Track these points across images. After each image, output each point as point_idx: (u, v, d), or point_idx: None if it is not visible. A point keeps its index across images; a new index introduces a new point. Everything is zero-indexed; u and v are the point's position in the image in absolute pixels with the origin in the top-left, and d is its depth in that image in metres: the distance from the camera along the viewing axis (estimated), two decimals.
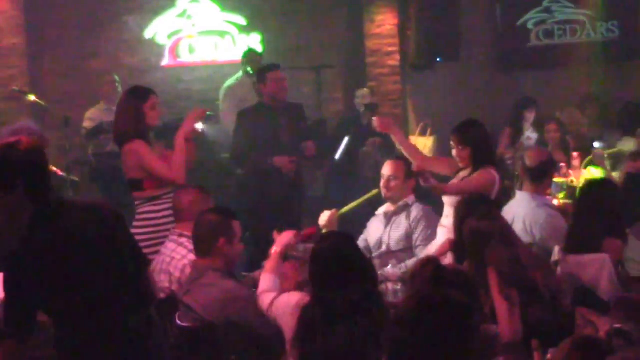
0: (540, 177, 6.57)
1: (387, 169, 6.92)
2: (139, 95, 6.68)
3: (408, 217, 6.85)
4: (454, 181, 6.44)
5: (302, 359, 4.39)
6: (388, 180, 6.88)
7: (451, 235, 5.83)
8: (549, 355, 3.93)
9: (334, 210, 6.80)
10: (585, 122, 10.33)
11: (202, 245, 5.29)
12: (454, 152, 6.45)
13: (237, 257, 5.38)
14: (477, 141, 6.38)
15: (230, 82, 9.81)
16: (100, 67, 10.50)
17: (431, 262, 4.46)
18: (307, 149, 8.02)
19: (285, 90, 8.14)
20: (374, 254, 6.81)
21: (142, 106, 6.59)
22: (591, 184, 6.48)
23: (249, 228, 7.29)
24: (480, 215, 5.22)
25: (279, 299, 4.79)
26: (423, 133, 10.27)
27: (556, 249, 6.11)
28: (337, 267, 4.47)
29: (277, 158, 7.88)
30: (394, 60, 10.97)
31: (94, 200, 4.17)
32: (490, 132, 10.18)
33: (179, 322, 5.14)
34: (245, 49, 10.32)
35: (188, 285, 5.28)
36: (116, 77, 9.74)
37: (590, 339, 3.39)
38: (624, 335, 4.47)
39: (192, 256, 5.55)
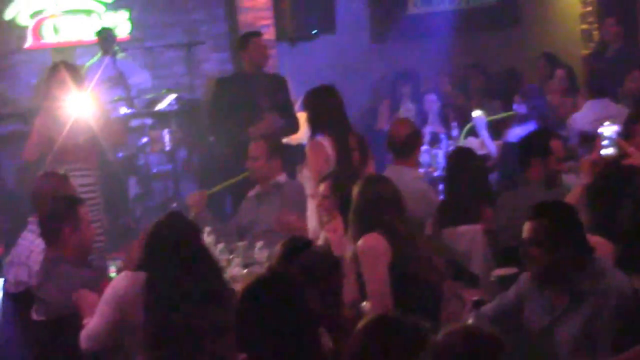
0: (408, 150, 6.45)
1: (250, 150, 6.68)
2: (49, 70, 7.11)
3: (280, 196, 6.68)
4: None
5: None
6: (251, 162, 6.70)
7: None
8: None
9: (202, 191, 6.85)
10: (459, 92, 10.25)
11: (49, 236, 5.18)
12: None
13: (88, 243, 5.26)
14: (311, 107, 6.46)
15: (89, 62, 9.50)
16: None
17: (290, 241, 4.35)
18: (264, 121, 7.66)
19: (266, 57, 8.03)
20: (247, 237, 6.55)
21: (48, 81, 7.00)
22: (455, 155, 6.46)
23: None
24: (372, 179, 5.15)
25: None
26: (301, 108, 10.04)
27: (428, 223, 6.01)
28: (174, 249, 4.37)
29: (251, 128, 7.56)
30: (269, 34, 10.62)
31: None
32: (370, 105, 10.27)
33: (34, 316, 5.02)
34: (99, 28, 9.97)
35: (41, 277, 5.16)
36: None
37: (382, 319, 3.17)
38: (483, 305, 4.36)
39: None
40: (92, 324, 4.51)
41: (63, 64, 7.09)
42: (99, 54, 9.49)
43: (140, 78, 9.95)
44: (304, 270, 3.97)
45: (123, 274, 4.64)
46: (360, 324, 3.10)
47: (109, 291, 4.51)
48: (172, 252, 4.36)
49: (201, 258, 4.42)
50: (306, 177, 6.31)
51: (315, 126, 6.31)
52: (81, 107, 6.93)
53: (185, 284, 4.28)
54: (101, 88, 8.53)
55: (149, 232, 4.49)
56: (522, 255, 4.03)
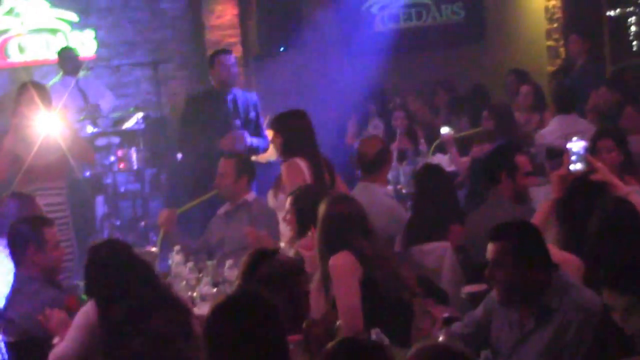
0: (377, 167, 6.46)
1: (218, 167, 6.68)
2: (17, 89, 7.00)
3: (249, 214, 6.63)
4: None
5: None
6: (218, 178, 6.66)
7: None
8: None
9: (173, 209, 6.74)
10: (426, 109, 10.29)
11: (16, 256, 5.20)
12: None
13: (55, 264, 5.26)
14: (284, 131, 6.36)
15: (51, 82, 9.42)
16: None
17: (256, 251, 4.36)
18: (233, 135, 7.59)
19: (234, 75, 7.94)
20: (216, 255, 6.52)
21: (17, 100, 6.87)
22: (424, 172, 6.46)
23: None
24: (337, 198, 5.10)
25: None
26: (270, 126, 10.04)
27: (398, 240, 6.01)
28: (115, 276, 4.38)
29: (221, 140, 7.52)
30: (237, 52, 10.64)
31: None
32: (337, 121, 10.26)
33: (2, 337, 4.96)
34: (60, 48, 9.96)
35: (9, 297, 5.14)
36: None
37: (349, 341, 3.12)
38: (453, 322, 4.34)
39: None
40: (62, 348, 4.46)
41: (31, 83, 7.06)
42: (61, 74, 9.47)
43: (107, 97, 9.91)
44: (268, 277, 3.99)
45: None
46: (328, 346, 3.06)
47: (80, 316, 4.48)
48: (107, 276, 4.40)
49: (138, 272, 4.44)
50: (282, 201, 6.27)
51: (290, 150, 6.32)
52: (50, 125, 6.88)
53: (126, 302, 4.30)
54: (66, 107, 8.48)
55: (84, 264, 4.54)
56: (487, 276, 4.02)
